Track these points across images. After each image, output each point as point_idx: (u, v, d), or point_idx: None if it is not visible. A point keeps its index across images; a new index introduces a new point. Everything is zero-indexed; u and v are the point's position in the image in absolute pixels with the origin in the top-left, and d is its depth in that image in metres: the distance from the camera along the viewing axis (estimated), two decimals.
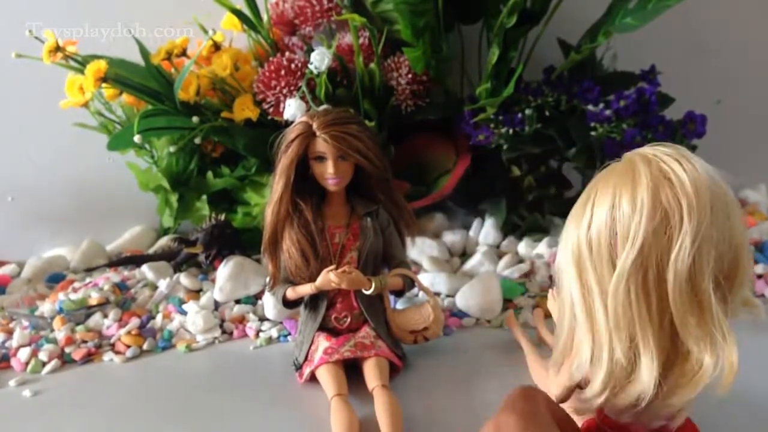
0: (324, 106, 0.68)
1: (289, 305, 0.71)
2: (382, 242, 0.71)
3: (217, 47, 0.98)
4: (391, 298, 0.76)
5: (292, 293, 0.69)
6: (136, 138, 0.89)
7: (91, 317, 0.84)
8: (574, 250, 0.45)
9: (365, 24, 0.90)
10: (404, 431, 0.59)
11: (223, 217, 0.95)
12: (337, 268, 0.67)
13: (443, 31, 0.95)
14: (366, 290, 0.68)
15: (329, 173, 0.67)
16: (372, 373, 0.65)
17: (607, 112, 0.91)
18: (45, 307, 0.86)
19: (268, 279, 0.72)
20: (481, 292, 0.81)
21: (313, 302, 0.71)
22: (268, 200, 0.69)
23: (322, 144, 0.66)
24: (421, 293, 0.83)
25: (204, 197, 1.02)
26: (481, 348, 0.76)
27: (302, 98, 0.87)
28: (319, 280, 0.67)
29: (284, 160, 0.66)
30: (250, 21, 0.98)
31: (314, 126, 0.65)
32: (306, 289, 0.68)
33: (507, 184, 1.01)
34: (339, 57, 0.95)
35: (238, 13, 0.96)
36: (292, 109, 0.85)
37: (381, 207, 0.72)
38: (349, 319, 0.70)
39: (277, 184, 0.67)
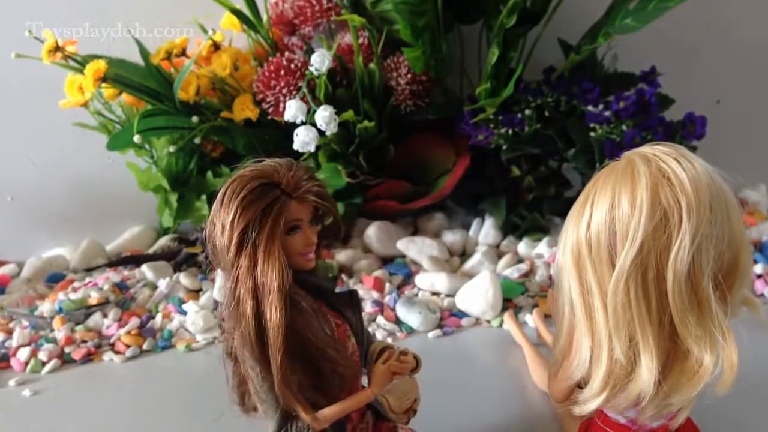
0: (275, 160, 0.48)
1: None
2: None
3: (216, 47, 0.98)
4: None
5: (333, 412, 0.47)
6: (136, 138, 0.89)
7: (90, 317, 0.84)
8: (574, 249, 0.45)
9: (365, 24, 0.90)
10: None
11: None
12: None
13: (443, 31, 0.95)
14: (415, 373, 0.51)
15: (312, 243, 0.48)
16: None
17: (607, 113, 0.91)
18: (45, 307, 0.86)
19: (279, 419, 0.47)
20: (480, 291, 0.81)
21: (335, 424, 0.49)
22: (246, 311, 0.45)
23: (297, 208, 0.46)
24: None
25: (204, 197, 1.02)
26: (481, 348, 0.76)
27: (303, 99, 0.87)
28: (377, 381, 0.48)
29: (265, 242, 0.45)
30: (249, 21, 0.98)
31: (284, 185, 0.46)
32: (360, 399, 0.48)
33: (507, 184, 1.02)
34: (339, 57, 0.95)
35: (237, 13, 0.96)
36: (293, 110, 0.85)
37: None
38: (368, 425, 0.52)
39: (267, 277, 0.45)
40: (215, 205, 0.46)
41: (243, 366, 0.47)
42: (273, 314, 0.44)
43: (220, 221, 0.45)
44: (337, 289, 0.51)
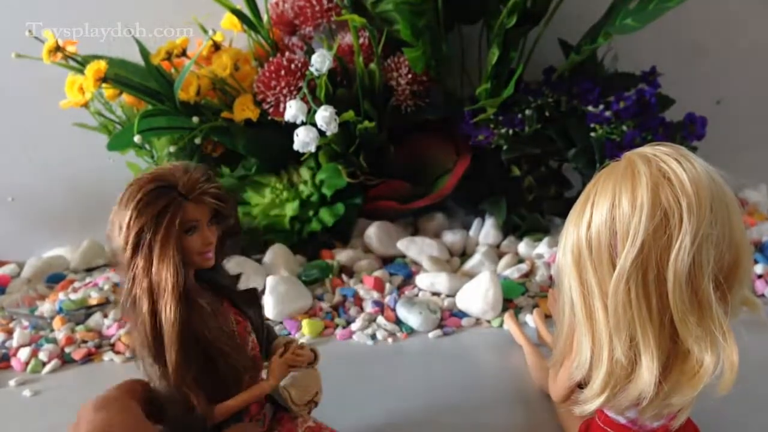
0: (173, 163, 0.51)
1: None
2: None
3: (217, 47, 0.98)
4: None
5: (231, 405, 0.50)
6: (136, 138, 0.89)
7: (91, 317, 0.84)
8: (574, 249, 0.45)
9: (365, 24, 0.90)
10: None
11: None
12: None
13: (443, 31, 0.95)
14: (314, 365, 0.55)
15: (210, 242, 0.49)
16: None
17: (607, 114, 0.91)
18: (45, 307, 0.86)
19: (177, 411, 0.49)
20: (481, 292, 0.81)
21: (233, 416, 0.51)
22: (142, 307, 0.46)
23: (194, 210, 0.48)
24: None
25: None
26: (481, 348, 0.76)
27: (303, 99, 0.87)
28: (274, 373, 0.52)
29: (160, 243, 0.46)
30: (250, 21, 0.98)
31: (180, 187, 0.48)
32: (259, 392, 0.51)
33: (507, 184, 1.02)
34: (339, 57, 0.95)
35: (238, 13, 0.96)
36: (293, 110, 0.85)
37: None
38: (265, 417, 0.54)
39: (162, 276, 0.46)
40: (115, 206, 0.48)
41: (143, 365, 0.49)
42: (167, 313, 0.46)
43: (118, 222, 0.47)
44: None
